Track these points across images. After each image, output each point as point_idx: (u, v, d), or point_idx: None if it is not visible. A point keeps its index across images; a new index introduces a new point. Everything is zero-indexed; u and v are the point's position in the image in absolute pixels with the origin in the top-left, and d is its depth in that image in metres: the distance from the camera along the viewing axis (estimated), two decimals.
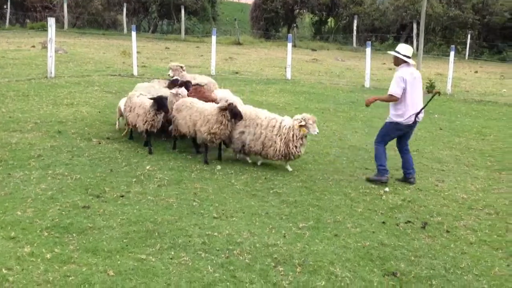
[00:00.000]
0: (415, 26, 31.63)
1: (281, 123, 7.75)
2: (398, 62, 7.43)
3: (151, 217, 5.58)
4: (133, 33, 17.09)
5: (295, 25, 38.32)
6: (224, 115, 7.50)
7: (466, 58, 31.61)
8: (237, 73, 19.09)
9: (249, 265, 4.70)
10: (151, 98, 8.04)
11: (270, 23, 37.68)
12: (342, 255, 5.05)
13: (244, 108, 7.94)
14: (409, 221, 6.05)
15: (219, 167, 7.60)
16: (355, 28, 33.32)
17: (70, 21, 33.56)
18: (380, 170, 7.45)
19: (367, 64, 17.70)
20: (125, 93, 12.87)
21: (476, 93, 17.79)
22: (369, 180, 7.48)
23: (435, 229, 5.88)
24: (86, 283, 4.15)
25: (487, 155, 9.39)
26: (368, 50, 17.77)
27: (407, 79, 7.20)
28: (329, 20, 40.10)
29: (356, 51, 31.36)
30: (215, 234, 5.30)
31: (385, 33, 36.04)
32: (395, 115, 7.37)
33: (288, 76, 18.29)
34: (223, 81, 16.60)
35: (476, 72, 24.18)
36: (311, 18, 40.57)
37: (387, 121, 7.59)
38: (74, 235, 5.03)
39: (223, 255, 4.85)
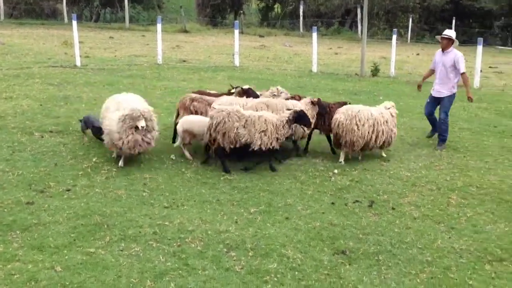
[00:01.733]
0: (359, 11, 32.21)
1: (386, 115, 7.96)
2: (449, 44, 8.85)
3: (99, 210, 5.46)
4: (74, 22, 16.45)
5: (241, 11, 38.14)
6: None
7: (409, 41, 32.57)
8: (184, 61, 18.85)
9: (201, 252, 4.70)
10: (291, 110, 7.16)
11: (217, 10, 37.31)
12: (293, 237, 5.13)
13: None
14: (357, 201, 6.21)
15: (173, 156, 7.49)
16: (301, 13, 33.52)
17: (6, 11, 31.93)
18: (444, 140, 8.81)
19: (314, 49, 17.90)
20: (68, 85, 12.52)
21: (418, 75, 18.33)
22: (439, 149, 8.63)
23: (381, 206, 6.07)
24: (32, 281, 4.03)
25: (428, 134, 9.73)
26: (315, 35, 17.96)
27: None
28: (275, 6, 40.16)
29: (303, 36, 31.60)
30: (166, 223, 5.26)
31: (330, 18, 36.49)
32: (455, 87, 8.87)
33: (236, 63, 18.23)
34: (170, 70, 16.38)
35: (418, 54, 24.97)
36: (258, 5, 40.50)
37: (449, 95, 8.85)
38: (18, 232, 4.86)
39: (174, 244, 4.82)
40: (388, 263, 4.70)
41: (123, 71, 15.64)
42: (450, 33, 8.95)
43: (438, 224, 5.62)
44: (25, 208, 5.40)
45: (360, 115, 7.61)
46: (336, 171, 7.30)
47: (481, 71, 16.33)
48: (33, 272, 4.15)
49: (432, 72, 9.34)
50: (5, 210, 5.32)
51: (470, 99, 8.99)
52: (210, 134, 6.97)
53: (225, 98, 7.91)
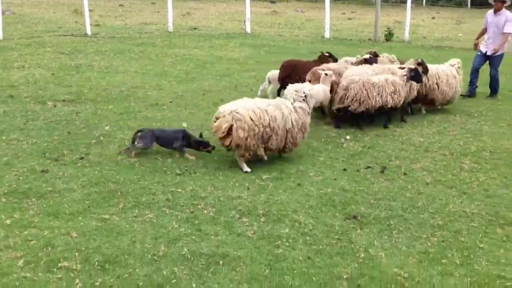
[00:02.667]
0: None
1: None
2: (502, 6, 9.71)
3: (113, 177, 5.53)
4: None
5: None
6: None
7: (424, 4, 31.81)
8: (195, 28, 18.68)
9: (213, 218, 4.75)
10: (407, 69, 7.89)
11: None
12: (305, 203, 5.16)
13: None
14: (369, 167, 6.20)
15: (184, 124, 7.52)
16: None
17: None
18: (496, 92, 9.93)
19: (327, 14, 17.59)
20: (79, 54, 12.52)
21: (433, 39, 18.04)
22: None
23: (393, 172, 6.06)
24: (48, 246, 4.12)
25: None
26: (327, 0, 17.61)
27: None
28: None
29: (316, 1, 31.04)
30: (179, 190, 5.31)
31: None
32: (504, 47, 9.89)
33: (248, 29, 18.02)
34: (181, 38, 16.25)
35: (433, 18, 24.43)
36: None
37: (500, 53, 9.88)
38: (34, 199, 4.95)
39: (187, 210, 4.88)
40: (399, 227, 4.71)
41: (134, 39, 15.58)
42: None
43: (450, 189, 5.60)
44: (39, 176, 5.49)
45: (440, 73, 8.57)
46: (348, 137, 7.27)
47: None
48: (49, 238, 4.25)
49: (485, 31, 10.17)
50: (20, 178, 5.41)
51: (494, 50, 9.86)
52: (343, 103, 7.55)
53: (354, 68, 8.20)
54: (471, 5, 31.01)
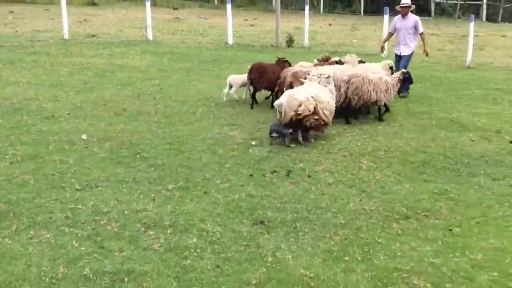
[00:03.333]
0: None
1: None
2: (407, 11, 10.67)
3: (4, 198, 5.13)
4: None
5: None
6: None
7: (321, 12, 33.20)
8: (94, 36, 17.99)
9: (117, 233, 4.57)
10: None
11: None
12: (213, 211, 5.14)
13: None
14: (274, 171, 6.32)
15: (84, 136, 7.17)
16: None
17: None
18: (408, 88, 10.39)
19: (229, 21, 17.75)
20: None
21: (331, 45, 18.87)
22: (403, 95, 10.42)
23: (298, 175, 6.22)
24: None
25: None
26: (229, 7, 17.78)
27: None
28: None
29: (218, 8, 31.18)
30: (79, 206, 5.05)
31: None
32: (415, 46, 10.93)
33: (150, 37, 17.69)
34: (78, 46, 15.56)
35: (330, 24, 25.57)
36: None
37: (409, 53, 10.84)
38: None
39: (89, 227, 4.65)
40: (305, 229, 4.84)
41: (26, 47, 14.66)
42: (407, 1, 10.75)
43: (350, 188, 5.87)
44: None
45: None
46: (254, 143, 7.36)
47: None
48: None
49: (391, 35, 11.33)
50: None
51: (426, 52, 11.00)
52: (346, 96, 8.44)
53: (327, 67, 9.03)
54: (364, 12, 32.93)
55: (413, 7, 10.83)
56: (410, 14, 10.82)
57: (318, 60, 10.22)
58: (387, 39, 11.56)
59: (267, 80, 9.20)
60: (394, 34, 11.25)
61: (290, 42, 17.75)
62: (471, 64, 14.76)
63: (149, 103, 9.34)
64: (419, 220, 5.09)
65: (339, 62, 9.78)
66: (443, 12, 32.97)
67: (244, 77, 9.56)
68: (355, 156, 6.96)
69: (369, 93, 8.34)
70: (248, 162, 6.62)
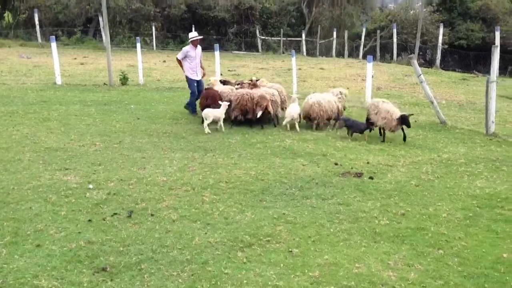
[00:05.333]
0: (101, 19, 31.48)
1: None
2: (196, 42, 12.68)
3: None
4: None
5: None
6: None
7: (154, 48, 33.37)
8: None
9: None
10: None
11: None
12: (47, 265, 4.71)
13: None
14: (115, 213, 6.05)
15: None
16: (37, 22, 31.04)
17: None
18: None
19: (55, 60, 16.80)
20: None
21: (166, 81, 19.01)
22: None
23: (140, 215, 6.05)
24: None
25: (180, 137, 10.15)
26: (54, 45, 16.85)
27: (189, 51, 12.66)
28: (5, 14, 36.25)
29: (43, 46, 29.35)
30: None
31: (71, 27, 34.80)
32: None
33: None
34: None
35: (165, 61, 25.79)
36: None
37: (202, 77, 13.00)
38: None
39: None
40: (151, 270, 4.70)
41: None
42: (197, 34, 13.03)
43: (195, 223, 5.88)
44: None
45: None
46: (91, 186, 6.98)
47: (221, 74, 17.76)
48: None
49: (181, 63, 12.76)
50: None
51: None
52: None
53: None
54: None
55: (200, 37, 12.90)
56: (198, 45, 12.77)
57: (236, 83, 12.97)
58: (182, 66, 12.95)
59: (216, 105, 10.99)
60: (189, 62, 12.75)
61: (124, 80, 17.44)
62: (296, 95, 16.06)
63: None
64: (262, 246, 5.30)
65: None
66: (269, 47, 35.63)
67: (216, 111, 10.74)
68: (197, 190, 7.02)
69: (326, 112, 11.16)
70: (85, 207, 6.24)
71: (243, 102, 11.11)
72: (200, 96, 12.09)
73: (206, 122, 10.66)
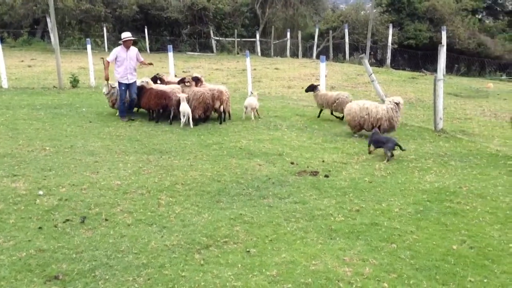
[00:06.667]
0: (49, 20, 30.52)
1: None
2: (131, 43, 12.01)
3: None
4: None
5: None
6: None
7: (106, 50, 32.64)
8: None
9: None
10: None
11: None
12: None
13: None
14: (67, 220, 5.89)
15: None
16: None
17: None
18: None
19: (1, 62, 16.15)
20: None
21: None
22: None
23: (94, 220, 5.91)
24: None
25: (135, 140, 9.98)
26: None
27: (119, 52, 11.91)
28: None
29: None
30: None
31: (17, 28, 33.59)
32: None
33: None
34: None
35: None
36: None
37: (136, 79, 12.12)
38: None
39: None
40: (105, 276, 4.60)
41: None
42: (130, 34, 12.08)
43: (151, 226, 5.79)
44: None
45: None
46: (41, 192, 6.75)
47: (175, 75, 17.57)
48: None
49: (109, 64, 12.05)
50: None
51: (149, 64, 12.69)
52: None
53: None
54: (150, 50, 33.50)
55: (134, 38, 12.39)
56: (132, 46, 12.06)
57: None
58: (107, 67, 12.16)
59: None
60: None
61: (74, 82, 16.99)
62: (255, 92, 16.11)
63: None
64: (219, 247, 5.28)
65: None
66: (224, 48, 35.57)
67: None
68: (153, 193, 6.92)
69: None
70: (35, 214, 6.04)
71: (205, 99, 11.46)
72: (145, 97, 11.82)
73: (184, 120, 11.29)
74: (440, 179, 7.83)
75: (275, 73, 23.09)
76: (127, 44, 11.86)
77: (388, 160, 8.75)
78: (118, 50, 11.92)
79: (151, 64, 12.72)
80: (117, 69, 11.93)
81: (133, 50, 12.02)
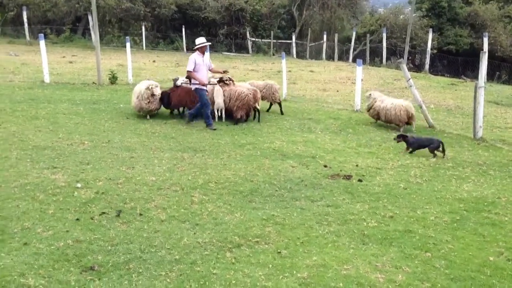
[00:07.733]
0: (90, 18, 31.29)
1: None
2: (204, 49, 11.48)
3: None
4: None
5: None
6: None
7: (144, 48, 33.24)
8: None
9: None
10: None
11: None
12: (34, 263, 4.67)
13: None
14: (103, 213, 6.02)
15: None
16: (25, 20, 30.75)
17: None
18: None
19: (43, 58, 16.64)
20: None
21: (156, 81, 18.89)
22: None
23: (129, 215, 6.02)
24: None
25: (170, 137, 10.12)
26: (42, 43, 16.69)
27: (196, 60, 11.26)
28: None
29: (31, 44, 29.08)
30: None
31: (60, 25, 34.53)
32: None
33: None
34: None
35: (154, 61, 25.69)
36: None
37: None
38: None
39: None
40: (139, 269, 4.68)
41: None
42: (205, 39, 11.55)
43: (183, 223, 5.86)
44: None
45: None
46: (79, 185, 6.93)
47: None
48: None
49: (192, 72, 11.26)
50: None
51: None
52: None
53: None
54: (186, 50, 33.90)
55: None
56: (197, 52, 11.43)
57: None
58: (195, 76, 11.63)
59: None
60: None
61: (113, 79, 17.34)
62: (287, 97, 16.13)
63: None
64: (250, 247, 5.30)
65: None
66: (259, 49, 35.66)
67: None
68: (186, 190, 7.00)
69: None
70: (73, 206, 6.20)
71: (249, 101, 11.71)
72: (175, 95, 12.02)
73: (218, 114, 11.91)
74: (478, 188, 7.64)
75: (310, 76, 23.00)
76: (202, 50, 11.34)
77: (435, 156, 9.36)
78: (195, 56, 11.22)
79: (226, 71, 12.19)
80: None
81: (207, 55, 11.66)
